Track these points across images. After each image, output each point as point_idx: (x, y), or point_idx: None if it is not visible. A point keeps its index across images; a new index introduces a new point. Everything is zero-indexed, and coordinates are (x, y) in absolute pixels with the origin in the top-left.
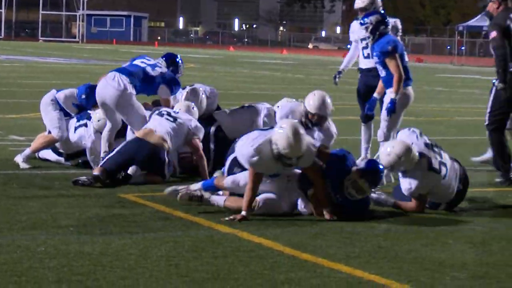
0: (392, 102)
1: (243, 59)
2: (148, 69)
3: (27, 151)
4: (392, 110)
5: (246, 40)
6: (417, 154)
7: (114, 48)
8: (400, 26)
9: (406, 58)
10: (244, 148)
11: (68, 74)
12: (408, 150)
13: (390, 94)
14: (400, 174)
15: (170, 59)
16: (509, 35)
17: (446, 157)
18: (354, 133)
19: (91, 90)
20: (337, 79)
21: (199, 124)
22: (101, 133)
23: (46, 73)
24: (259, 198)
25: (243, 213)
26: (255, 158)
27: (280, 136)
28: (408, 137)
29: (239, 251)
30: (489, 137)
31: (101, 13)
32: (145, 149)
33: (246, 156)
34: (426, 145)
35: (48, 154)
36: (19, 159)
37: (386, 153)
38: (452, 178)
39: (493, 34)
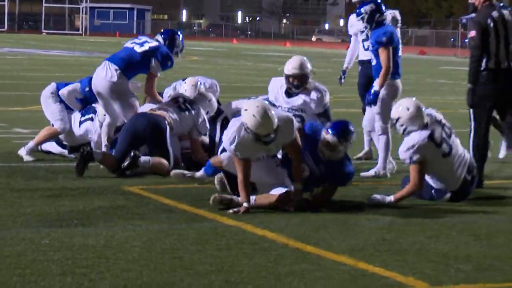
0: (375, 94)
1: (247, 52)
2: (136, 47)
3: (31, 144)
4: (373, 101)
5: (249, 32)
6: (425, 116)
7: (117, 40)
8: (399, 18)
9: (400, 53)
10: (225, 137)
11: (71, 67)
12: (417, 107)
13: (375, 85)
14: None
15: (168, 34)
16: (488, 34)
17: (454, 140)
18: (356, 126)
19: None
20: (342, 80)
21: (206, 122)
22: None
23: (49, 66)
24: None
25: (245, 204)
26: (233, 145)
27: (247, 117)
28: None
29: (243, 243)
30: None
31: (104, 6)
32: (147, 120)
33: (227, 145)
34: (432, 117)
35: (51, 146)
36: (22, 152)
37: (398, 104)
38: (458, 163)
39: (472, 33)
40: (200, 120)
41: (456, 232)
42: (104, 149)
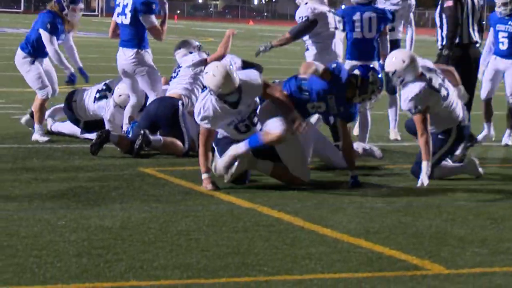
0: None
1: (263, 33)
2: (123, 20)
3: (36, 126)
4: None
5: (265, 14)
6: (419, 66)
7: None
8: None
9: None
10: (195, 109)
11: (88, 48)
12: (412, 58)
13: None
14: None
15: None
16: (463, 6)
17: (448, 84)
18: (382, 108)
19: None
20: None
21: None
22: (121, 107)
23: None
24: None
25: (204, 175)
26: (201, 115)
27: (208, 79)
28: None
29: (259, 225)
30: None
31: None
32: (158, 103)
33: (196, 116)
34: (424, 66)
35: (62, 127)
36: (36, 137)
37: (391, 57)
38: (456, 102)
39: (449, 3)
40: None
41: (472, 216)
42: (125, 128)
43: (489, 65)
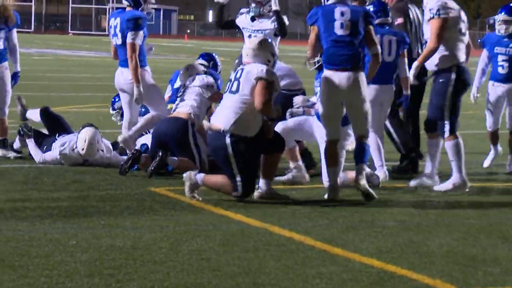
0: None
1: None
2: (117, 41)
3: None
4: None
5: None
6: None
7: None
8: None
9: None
10: None
11: (98, 68)
12: None
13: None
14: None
15: None
16: (411, 22)
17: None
18: None
19: None
20: None
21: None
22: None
23: (76, 67)
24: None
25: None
26: None
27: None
28: None
29: (270, 245)
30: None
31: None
32: (166, 125)
33: None
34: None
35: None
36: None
37: None
38: (463, 45)
39: (400, 20)
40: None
41: (483, 235)
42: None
43: (489, 94)
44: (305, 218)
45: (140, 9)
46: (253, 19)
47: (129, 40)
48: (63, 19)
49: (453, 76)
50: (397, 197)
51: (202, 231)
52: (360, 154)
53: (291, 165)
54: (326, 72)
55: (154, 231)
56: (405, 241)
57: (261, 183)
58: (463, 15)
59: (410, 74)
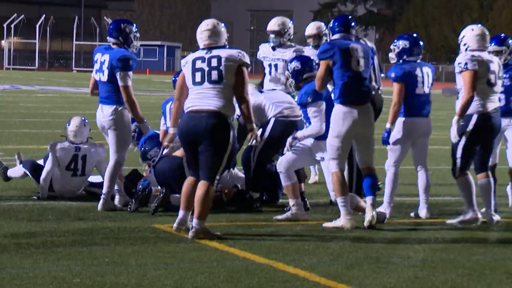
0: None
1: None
2: (101, 77)
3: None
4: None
5: None
6: (488, 43)
7: (147, 78)
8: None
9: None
10: None
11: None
12: (483, 30)
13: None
14: None
15: (115, 30)
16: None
17: (499, 83)
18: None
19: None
20: None
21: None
22: None
23: (81, 103)
24: None
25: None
26: None
27: None
28: None
29: (275, 281)
30: None
31: None
32: (167, 165)
33: None
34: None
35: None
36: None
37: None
38: (493, 99)
39: None
40: None
41: (488, 270)
42: (105, 190)
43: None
44: (310, 254)
45: (130, 47)
46: (273, 48)
47: (122, 83)
48: (67, 56)
49: (473, 121)
50: (402, 233)
51: (206, 267)
52: (373, 187)
53: (291, 202)
54: (342, 107)
55: (159, 268)
56: (410, 277)
57: (194, 221)
58: (493, 66)
59: (452, 131)
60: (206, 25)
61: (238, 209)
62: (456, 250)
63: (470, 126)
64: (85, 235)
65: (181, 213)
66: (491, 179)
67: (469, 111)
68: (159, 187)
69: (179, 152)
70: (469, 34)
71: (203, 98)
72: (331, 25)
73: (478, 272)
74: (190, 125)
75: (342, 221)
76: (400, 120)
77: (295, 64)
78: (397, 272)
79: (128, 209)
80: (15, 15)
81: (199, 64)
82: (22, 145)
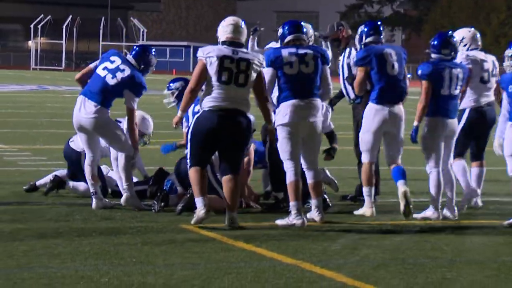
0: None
1: None
2: (108, 77)
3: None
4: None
5: None
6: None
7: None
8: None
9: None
10: None
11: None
12: (475, 32)
13: None
14: None
15: (139, 56)
16: None
17: (494, 83)
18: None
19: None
20: None
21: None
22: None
23: None
24: None
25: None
26: None
27: None
28: None
29: (302, 282)
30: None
31: (160, 44)
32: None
33: None
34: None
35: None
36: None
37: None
38: (485, 94)
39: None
40: None
41: None
42: (92, 188)
43: (506, 135)
44: (337, 255)
45: (144, 74)
46: None
47: (130, 105)
48: (93, 57)
49: (466, 115)
50: (429, 234)
51: (233, 268)
52: (403, 173)
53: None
54: (375, 105)
55: (186, 268)
56: (437, 278)
57: (231, 214)
58: (487, 65)
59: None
60: (232, 20)
61: (265, 210)
62: (483, 251)
63: (464, 120)
64: (112, 235)
65: (201, 200)
66: (484, 168)
67: (462, 106)
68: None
69: None
70: (468, 35)
71: (228, 98)
72: (362, 30)
73: (505, 273)
74: (215, 123)
75: (364, 209)
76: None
77: None
78: (424, 273)
79: (152, 210)
80: (42, 15)
81: (227, 63)
82: (48, 145)
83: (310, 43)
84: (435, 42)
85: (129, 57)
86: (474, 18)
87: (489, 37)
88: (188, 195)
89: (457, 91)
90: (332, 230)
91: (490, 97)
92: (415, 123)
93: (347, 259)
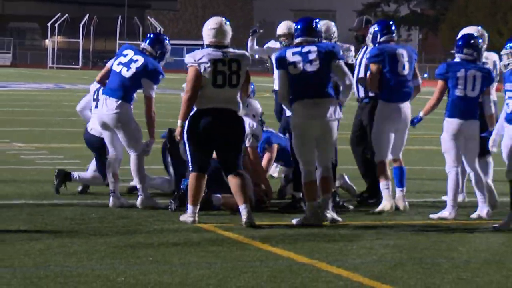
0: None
1: None
2: (124, 71)
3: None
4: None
5: None
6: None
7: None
8: None
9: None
10: None
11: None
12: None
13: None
14: None
15: (154, 42)
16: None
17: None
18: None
19: None
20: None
21: (258, 127)
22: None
23: None
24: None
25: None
26: None
27: None
28: None
29: (318, 281)
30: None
31: (177, 43)
32: (213, 165)
33: None
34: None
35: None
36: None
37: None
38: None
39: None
40: (251, 126)
41: None
42: (111, 186)
43: (504, 136)
44: (353, 254)
45: (160, 61)
46: None
47: (147, 93)
48: (110, 56)
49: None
50: (445, 234)
51: (249, 267)
52: (404, 176)
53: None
54: (386, 104)
55: (202, 268)
56: (454, 278)
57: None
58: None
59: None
60: (214, 23)
61: (282, 209)
62: (500, 251)
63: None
64: (129, 234)
65: (192, 208)
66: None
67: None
68: None
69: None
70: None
71: (222, 99)
72: (375, 29)
73: None
74: (210, 123)
75: (383, 203)
76: None
77: None
78: (441, 273)
79: (169, 209)
80: (59, 14)
81: (220, 67)
82: (65, 144)
83: (333, 40)
84: (459, 42)
85: (144, 44)
86: (491, 17)
87: (506, 36)
88: (204, 195)
89: (474, 93)
90: (348, 229)
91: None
92: (421, 114)
93: (364, 259)
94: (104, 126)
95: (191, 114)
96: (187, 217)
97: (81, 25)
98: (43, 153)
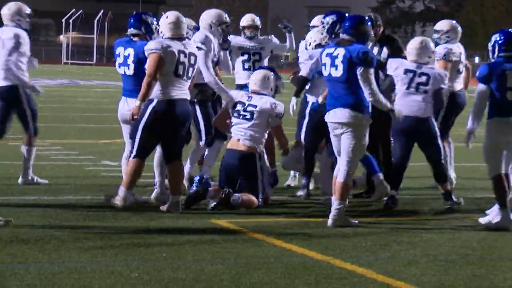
0: None
1: None
2: (126, 70)
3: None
4: None
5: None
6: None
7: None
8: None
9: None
10: None
11: None
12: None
13: None
14: None
15: (137, 21)
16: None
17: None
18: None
19: None
20: None
21: (280, 105)
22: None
23: None
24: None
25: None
26: None
27: None
28: None
29: (332, 278)
30: None
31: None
32: (237, 157)
33: None
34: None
35: None
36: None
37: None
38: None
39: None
40: (275, 109)
41: None
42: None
43: None
44: (367, 251)
45: (150, 38)
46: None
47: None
48: None
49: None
50: (459, 231)
51: (263, 263)
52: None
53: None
54: (500, 119)
55: (216, 264)
56: (468, 275)
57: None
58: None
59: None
60: (172, 18)
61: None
62: None
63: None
64: (143, 230)
65: (124, 190)
66: (452, 145)
67: None
68: (217, 184)
69: (249, 149)
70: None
71: (180, 89)
72: (497, 39)
73: None
74: (171, 116)
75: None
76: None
77: None
78: (455, 270)
79: (209, 209)
80: (74, 10)
81: (182, 58)
82: (80, 140)
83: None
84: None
85: (130, 30)
86: (506, 15)
87: None
88: (223, 195)
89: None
90: (362, 226)
91: (462, 83)
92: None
93: (378, 256)
94: (125, 121)
95: (153, 104)
96: (115, 200)
97: (95, 21)
98: (58, 149)
